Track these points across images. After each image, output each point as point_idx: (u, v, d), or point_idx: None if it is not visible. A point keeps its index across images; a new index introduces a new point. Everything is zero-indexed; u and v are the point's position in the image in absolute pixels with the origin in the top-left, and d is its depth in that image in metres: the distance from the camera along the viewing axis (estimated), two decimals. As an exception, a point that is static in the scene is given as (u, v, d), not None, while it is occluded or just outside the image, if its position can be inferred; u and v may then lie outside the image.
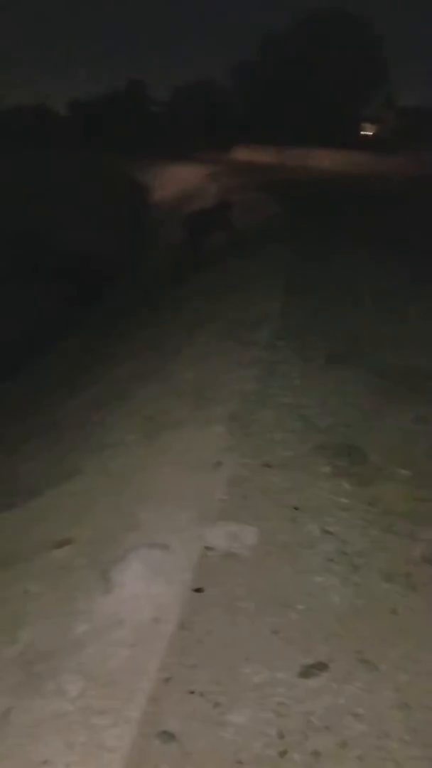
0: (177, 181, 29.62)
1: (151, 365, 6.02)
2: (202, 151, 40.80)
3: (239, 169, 28.59)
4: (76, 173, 36.97)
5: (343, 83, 38.83)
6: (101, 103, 61.01)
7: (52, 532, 3.11)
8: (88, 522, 3.10)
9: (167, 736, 1.92)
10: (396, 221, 12.49)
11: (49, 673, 2.16)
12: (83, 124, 59.29)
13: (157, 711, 1.99)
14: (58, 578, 2.68)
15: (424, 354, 5.23)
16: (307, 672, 2.13)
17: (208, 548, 2.75)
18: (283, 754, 1.86)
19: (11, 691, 2.13)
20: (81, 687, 2.09)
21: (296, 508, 3.09)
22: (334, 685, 2.09)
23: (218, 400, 4.35)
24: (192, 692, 2.06)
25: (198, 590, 2.50)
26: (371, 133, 44.56)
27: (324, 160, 29.08)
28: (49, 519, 3.31)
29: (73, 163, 41.74)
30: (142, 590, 2.42)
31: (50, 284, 13.85)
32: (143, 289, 12.42)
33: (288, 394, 4.37)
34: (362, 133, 45.04)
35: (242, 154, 39.78)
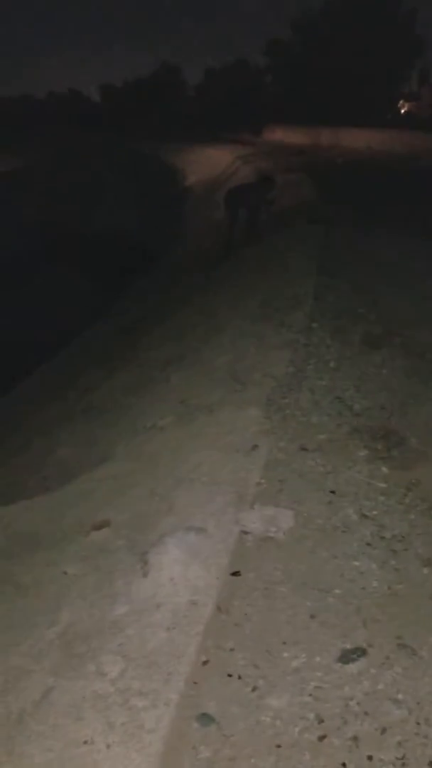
0: (209, 164, 29.43)
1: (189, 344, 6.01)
2: (235, 133, 40.44)
3: (272, 151, 28.27)
4: (108, 157, 37.00)
5: (377, 60, 37.96)
6: (134, 87, 60.85)
7: (88, 515, 3.14)
8: (125, 505, 3.12)
9: (206, 718, 1.92)
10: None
11: (89, 654, 2.18)
12: (116, 107, 59.22)
13: (196, 693, 2.00)
14: (96, 560, 2.70)
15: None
16: (346, 657, 2.12)
17: (244, 532, 2.74)
18: (321, 738, 1.85)
19: (52, 671, 2.16)
20: (120, 668, 2.10)
21: (333, 492, 3.06)
22: (374, 670, 2.07)
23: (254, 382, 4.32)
24: (230, 675, 2.06)
25: (235, 574, 2.49)
26: (409, 110, 43.56)
27: (359, 139, 28.56)
28: (86, 502, 3.34)
29: (105, 148, 41.78)
30: (180, 573, 2.43)
31: (87, 267, 13.97)
32: (179, 272, 12.39)
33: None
34: (400, 110, 44.09)
35: (275, 135, 39.34)
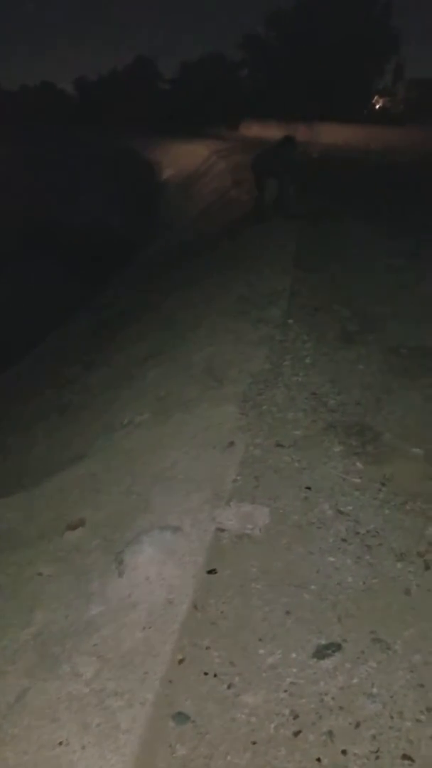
0: (186, 158, 29.35)
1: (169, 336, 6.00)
2: (211, 128, 40.33)
3: (249, 146, 28.23)
4: (82, 151, 36.70)
5: (352, 55, 38.09)
6: (109, 81, 60.35)
7: (64, 515, 3.12)
8: (101, 504, 3.11)
9: (182, 717, 1.93)
10: (409, 198, 12.31)
11: (64, 655, 2.18)
12: (91, 101, 58.69)
13: (172, 692, 2.00)
14: (71, 560, 2.69)
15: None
16: (321, 652, 2.14)
17: (220, 529, 2.75)
18: (297, 734, 1.87)
19: (27, 672, 2.15)
20: (96, 669, 2.10)
21: (308, 488, 3.07)
22: (348, 665, 2.09)
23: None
24: (206, 673, 2.07)
25: (211, 572, 2.50)
26: (383, 106, 43.82)
27: (335, 134, 28.66)
28: (61, 501, 3.32)
29: (80, 141, 41.43)
30: (155, 572, 2.43)
31: (64, 261, 13.88)
32: (156, 266, 12.35)
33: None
34: (375, 105, 44.33)
35: (251, 130, 39.29)
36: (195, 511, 2.85)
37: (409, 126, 28.75)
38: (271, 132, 34.90)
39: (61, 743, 1.87)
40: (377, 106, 44.27)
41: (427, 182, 15.24)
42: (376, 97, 44.68)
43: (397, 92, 43.71)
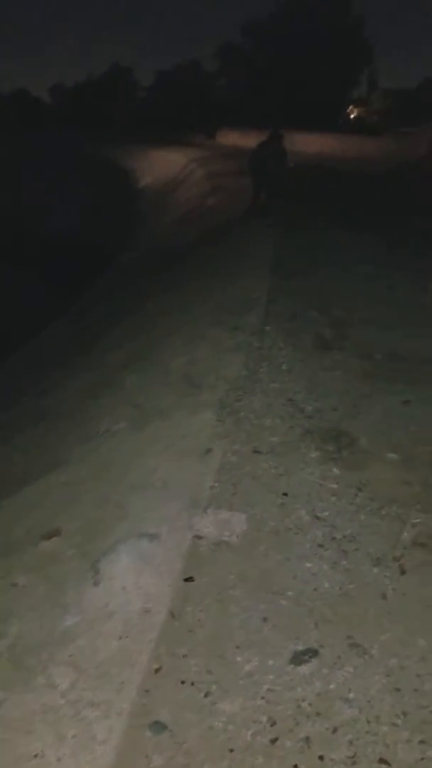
0: (163, 166, 29.40)
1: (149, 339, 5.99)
2: (187, 136, 40.46)
3: (225, 154, 28.39)
4: (58, 158, 36.59)
5: (327, 66, 38.51)
6: (85, 88, 60.30)
7: (40, 524, 3.09)
8: (77, 513, 3.09)
9: (159, 726, 1.91)
10: (385, 208, 12.46)
11: (40, 666, 2.15)
12: (66, 108, 58.58)
13: (148, 702, 1.99)
14: (47, 570, 2.67)
15: (409, 337, 5.23)
16: (298, 658, 2.14)
17: (198, 537, 2.74)
18: (274, 741, 1.86)
19: (1, 685, 2.12)
20: (71, 680, 2.08)
21: (285, 494, 3.08)
22: (325, 671, 2.09)
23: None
24: (183, 682, 2.06)
25: (188, 579, 2.49)
26: (358, 116, 44.32)
27: (311, 144, 28.89)
28: (37, 510, 3.29)
29: (56, 148, 41.29)
30: (132, 581, 2.41)
31: (37, 269, 13.80)
32: (134, 273, 12.33)
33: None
34: (350, 115, 44.82)
35: (227, 138, 39.52)
36: (172, 518, 2.84)
37: (384, 136, 29.07)
38: (249, 140, 35.14)
39: (36, 755, 1.84)
40: (352, 116, 44.76)
41: (403, 192, 15.46)
42: (350, 107, 45.18)
43: (371, 102, 44.24)
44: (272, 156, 10.38)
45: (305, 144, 29.48)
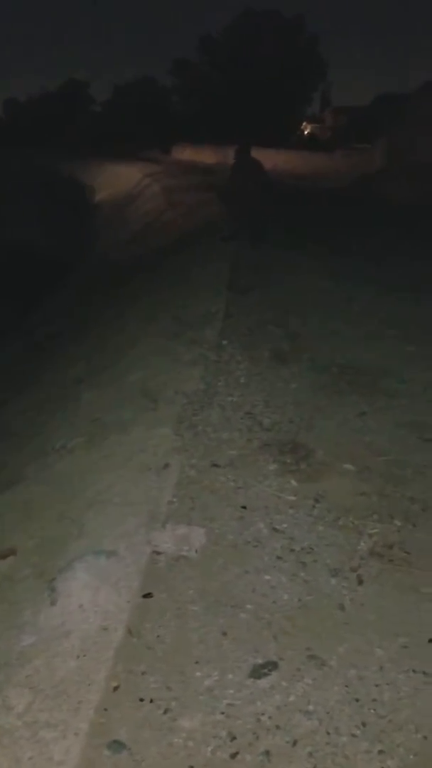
0: (119, 180, 29.38)
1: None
2: (143, 151, 40.57)
3: (180, 170, 28.56)
4: (11, 173, 36.24)
5: (281, 83, 39.20)
6: (39, 103, 59.96)
7: (-5, 543, 3.03)
8: (33, 531, 3.04)
9: (117, 745, 1.88)
10: (341, 223, 12.69)
11: (-5, 688, 2.10)
12: (20, 123, 58.07)
13: (107, 721, 1.96)
14: (2, 591, 2.62)
15: (365, 349, 5.32)
16: (257, 672, 2.13)
17: (156, 552, 2.72)
18: (234, 755, 1.85)
19: None
20: (28, 701, 2.03)
21: (244, 507, 3.09)
22: (285, 683, 2.10)
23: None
24: (142, 699, 2.03)
25: (147, 596, 2.47)
26: (312, 132, 45.12)
27: (266, 159, 29.19)
28: (-7, 529, 3.23)
29: (9, 162, 40.88)
30: (89, 599, 2.38)
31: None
32: (90, 287, 12.26)
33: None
34: (303, 132, 45.59)
35: (183, 153, 39.77)
36: (130, 534, 2.81)
37: (336, 152, 29.70)
38: (204, 156, 35.44)
39: (-9, 781, 1.80)
40: (306, 132, 45.54)
41: (358, 207, 15.79)
42: (304, 124, 45.98)
43: (325, 119, 45.11)
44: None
45: (260, 159, 29.84)
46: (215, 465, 3.47)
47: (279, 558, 2.73)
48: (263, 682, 2.09)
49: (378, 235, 11.44)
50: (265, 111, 38.31)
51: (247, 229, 9.00)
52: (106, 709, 1.99)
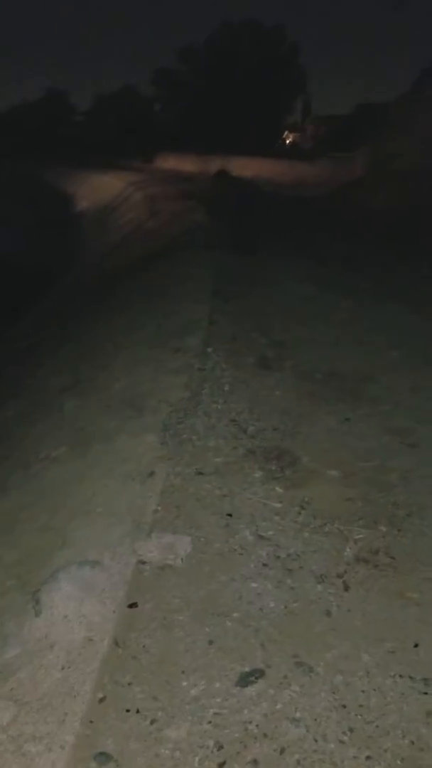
0: (101, 190, 29.39)
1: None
2: (126, 160, 40.64)
3: (163, 178, 28.63)
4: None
5: (262, 92, 39.48)
6: (19, 112, 59.86)
7: (-22, 555, 3.00)
8: (15, 542, 3.01)
9: (104, 757, 1.87)
10: (323, 230, 12.77)
11: (-22, 702, 2.07)
12: (1, 132, 57.82)
13: (93, 733, 1.94)
14: (-14, 602, 2.59)
15: (348, 356, 5.35)
16: (244, 680, 2.12)
17: (141, 561, 2.71)
18: (221, 765, 1.84)
19: None
20: (12, 714, 2.01)
21: (230, 515, 3.08)
22: (272, 691, 2.09)
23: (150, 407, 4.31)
24: (128, 710, 2.01)
25: (132, 606, 2.45)
26: (293, 141, 45.42)
27: (247, 168, 29.44)
28: (-24, 541, 3.19)
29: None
30: (74, 610, 2.36)
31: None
32: (73, 296, 12.22)
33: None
34: (285, 141, 45.89)
35: (166, 162, 39.89)
36: (115, 544, 2.80)
37: (318, 161, 29.92)
38: (187, 165, 35.57)
39: (-25, 798, 1.77)
40: (287, 141, 45.84)
41: (339, 215, 15.90)
42: (286, 133, 46.28)
43: (306, 128, 45.42)
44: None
45: (243, 168, 30.05)
46: (200, 473, 3.46)
47: (265, 565, 2.72)
48: (250, 690, 2.08)
49: (359, 242, 11.54)
50: (246, 120, 38.53)
51: (236, 238, 8.96)
52: (92, 721, 1.97)
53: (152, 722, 1.97)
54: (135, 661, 2.20)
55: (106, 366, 5.75)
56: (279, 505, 3.18)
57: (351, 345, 5.67)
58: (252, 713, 2.00)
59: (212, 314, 6.37)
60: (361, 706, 2.04)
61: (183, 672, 2.16)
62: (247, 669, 2.17)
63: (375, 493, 3.30)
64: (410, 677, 2.15)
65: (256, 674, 2.15)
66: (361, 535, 2.94)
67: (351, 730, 1.96)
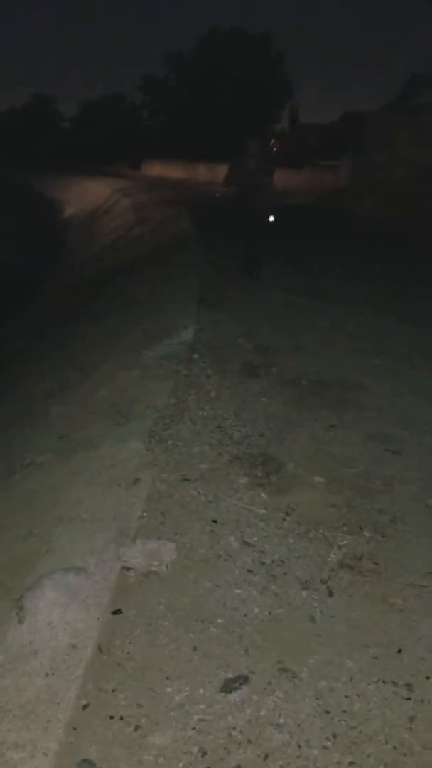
0: (88, 196, 29.37)
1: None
2: (113, 167, 40.66)
3: (150, 185, 28.67)
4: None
5: (248, 100, 39.70)
6: (6, 118, 59.75)
7: (-38, 561, 2.98)
8: (0, 548, 2.99)
9: (87, 764, 1.86)
10: (311, 238, 12.83)
11: (-39, 710, 2.06)
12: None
13: (76, 740, 1.93)
14: (-31, 610, 2.57)
15: (333, 363, 5.38)
16: (229, 686, 2.13)
17: (126, 568, 2.70)
18: (206, 772, 1.84)
19: None
20: (-5, 722, 2.00)
21: (215, 521, 3.09)
22: (256, 697, 2.09)
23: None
24: (112, 717, 2.01)
25: (116, 612, 2.45)
26: (278, 149, 45.62)
27: (234, 175, 29.43)
28: (-41, 547, 3.17)
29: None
30: (58, 616, 2.35)
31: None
32: (60, 302, 12.18)
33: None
34: (272, 148, 46.05)
35: (153, 169, 39.96)
36: (99, 550, 2.79)
37: (304, 168, 30.09)
38: (173, 171, 35.64)
39: (-43, 806, 1.76)
40: (274, 149, 46.03)
41: (327, 222, 15.99)
42: (273, 141, 46.48)
43: (293, 136, 45.65)
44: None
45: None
46: (186, 479, 3.47)
47: (250, 571, 2.73)
48: (234, 697, 2.09)
49: (342, 251, 11.61)
50: (232, 128, 38.69)
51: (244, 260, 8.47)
52: (75, 728, 1.96)
53: (136, 729, 1.97)
54: (119, 667, 2.20)
55: (92, 372, 5.74)
56: (264, 512, 3.19)
57: (337, 352, 5.71)
58: (236, 719, 2.01)
59: (198, 321, 6.38)
60: (344, 711, 2.05)
61: (167, 678, 2.16)
62: (231, 675, 2.17)
63: (359, 499, 3.33)
64: (393, 683, 2.16)
65: (241, 680, 2.15)
66: (345, 541, 2.95)
67: (334, 735, 1.96)
